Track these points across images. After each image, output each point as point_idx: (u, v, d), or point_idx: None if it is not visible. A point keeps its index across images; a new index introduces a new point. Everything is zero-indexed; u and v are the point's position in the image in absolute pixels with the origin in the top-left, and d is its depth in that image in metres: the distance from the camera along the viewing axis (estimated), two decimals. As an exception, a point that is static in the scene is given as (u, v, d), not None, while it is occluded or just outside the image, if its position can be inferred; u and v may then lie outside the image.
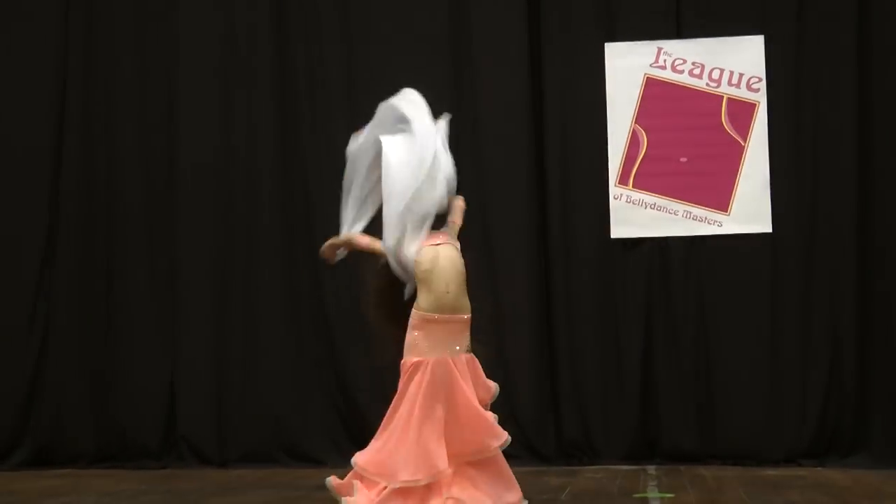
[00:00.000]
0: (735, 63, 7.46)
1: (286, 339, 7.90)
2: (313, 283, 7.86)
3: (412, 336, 4.90)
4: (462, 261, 4.97)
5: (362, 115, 5.25)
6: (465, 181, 7.80)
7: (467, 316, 4.94)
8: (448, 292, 4.88)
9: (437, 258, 4.89)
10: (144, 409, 7.94)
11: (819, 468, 7.22)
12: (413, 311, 4.92)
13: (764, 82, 7.38)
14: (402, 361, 4.94)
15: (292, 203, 7.96)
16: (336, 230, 5.15)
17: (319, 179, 7.74)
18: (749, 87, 7.43)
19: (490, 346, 7.64)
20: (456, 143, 7.73)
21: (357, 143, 5.15)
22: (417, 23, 7.94)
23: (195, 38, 8.04)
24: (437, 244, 4.93)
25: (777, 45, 7.48)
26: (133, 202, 8.07)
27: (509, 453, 7.56)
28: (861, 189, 7.48)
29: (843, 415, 7.42)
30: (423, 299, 4.89)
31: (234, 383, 7.92)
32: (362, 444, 7.68)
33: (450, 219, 5.10)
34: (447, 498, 4.81)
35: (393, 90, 7.75)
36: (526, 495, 5.03)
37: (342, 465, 7.58)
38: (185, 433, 7.90)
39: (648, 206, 7.55)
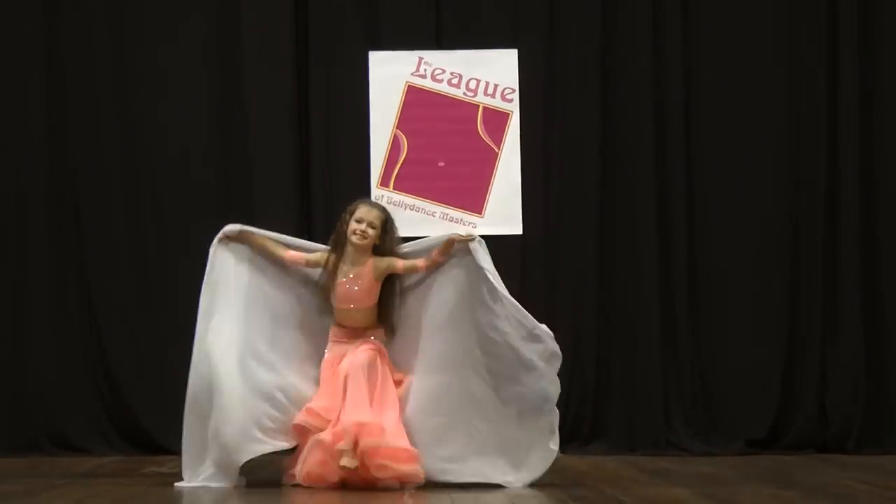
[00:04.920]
0: (490, 74, 7.81)
1: (52, 328, 8.00)
2: (79, 272, 8.02)
3: None
4: None
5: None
6: (232, 184, 8.06)
7: None
8: None
9: None
10: None
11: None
12: None
13: (517, 93, 7.76)
14: None
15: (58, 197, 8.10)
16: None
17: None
18: (503, 98, 7.79)
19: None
20: (222, 147, 8.04)
21: None
22: (186, 24, 8.17)
23: None
24: None
25: (529, 58, 7.92)
26: None
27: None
28: (602, 193, 8.19)
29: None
30: None
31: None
32: (127, 432, 7.84)
33: None
34: None
35: (161, 91, 7.98)
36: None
37: (108, 453, 7.75)
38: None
39: (408, 208, 7.82)
